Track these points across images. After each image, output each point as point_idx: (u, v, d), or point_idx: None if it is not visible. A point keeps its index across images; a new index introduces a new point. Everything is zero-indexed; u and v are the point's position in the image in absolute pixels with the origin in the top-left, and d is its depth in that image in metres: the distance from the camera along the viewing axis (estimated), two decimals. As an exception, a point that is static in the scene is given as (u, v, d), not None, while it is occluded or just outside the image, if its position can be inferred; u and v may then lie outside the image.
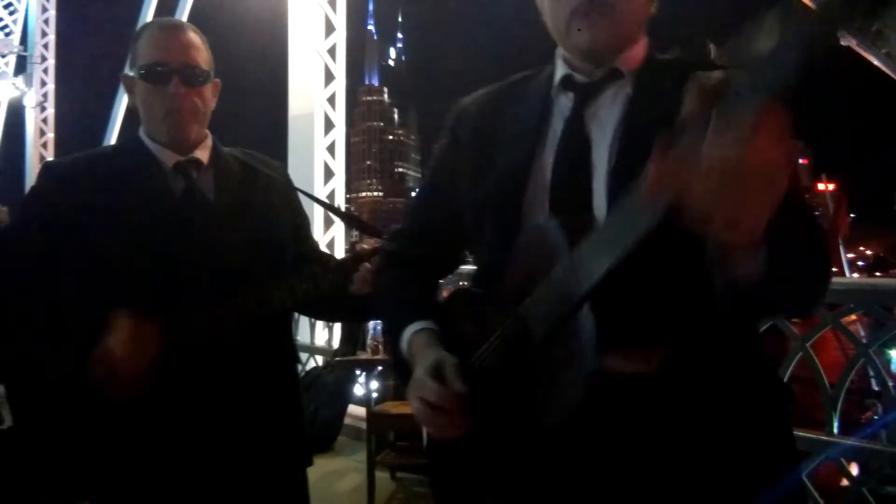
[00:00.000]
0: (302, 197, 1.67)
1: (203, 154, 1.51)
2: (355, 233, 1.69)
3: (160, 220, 1.41)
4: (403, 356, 1.11)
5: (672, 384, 0.93)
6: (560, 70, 1.10)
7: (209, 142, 1.54)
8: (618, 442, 0.94)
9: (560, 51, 1.10)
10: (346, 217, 1.82)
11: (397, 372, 1.15)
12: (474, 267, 1.17)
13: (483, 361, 1.00)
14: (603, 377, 0.84)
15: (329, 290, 1.46)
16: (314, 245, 1.70)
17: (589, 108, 1.04)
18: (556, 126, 1.06)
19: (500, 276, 1.02)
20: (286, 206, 1.60)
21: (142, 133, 1.51)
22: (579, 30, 1.02)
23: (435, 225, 1.21)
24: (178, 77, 1.43)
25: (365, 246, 1.51)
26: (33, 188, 1.47)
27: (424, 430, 1.13)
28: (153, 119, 1.47)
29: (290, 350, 1.64)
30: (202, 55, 1.48)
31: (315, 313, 1.90)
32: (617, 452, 0.94)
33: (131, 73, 1.47)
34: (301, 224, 1.65)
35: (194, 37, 1.47)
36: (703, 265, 0.82)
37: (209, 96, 1.50)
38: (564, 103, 1.07)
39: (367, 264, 1.47)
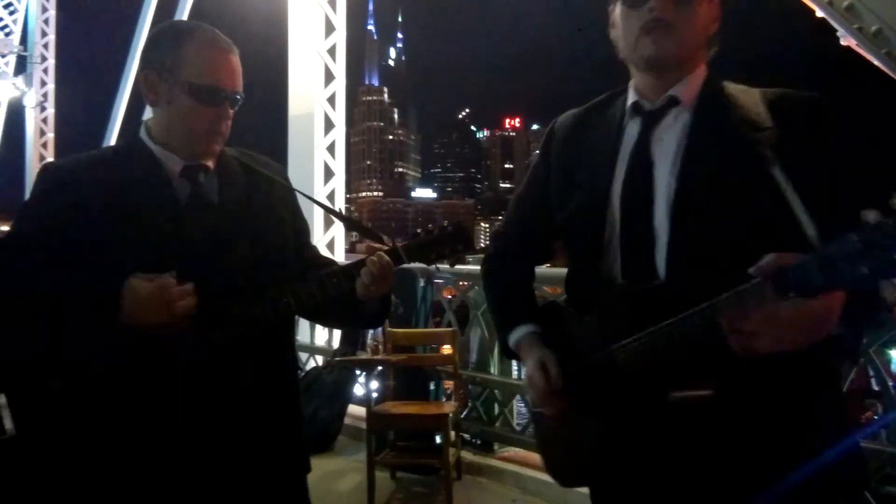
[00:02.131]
0: (302, 198, 1.65)
1: (209, 159, 1.50)
2: (355, 233, 1.68)
3: (165, 224, 1.40)
4: (510, 347, 1.44)
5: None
6: (630, 97, 1.32)
7: None
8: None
9: (632, 81, 1.33)
10: (347, 221, 1.81)
11: (506, 356, 1.50)
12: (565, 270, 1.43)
13: (578, 370, 1.29)
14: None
15: (335, 296, 1.44)
16: (314, 250, 1.68)
17: (653, 133, 1.27)
18: (626, 149, 1.29)
19: (585, 289, 1.31)
20: (287, 209, 1.59)
21: (144, 135, 1.48)
22: (646, 43, 1.24)
23: (528, 228, 1.48)
24: (228, 102, 1.44)
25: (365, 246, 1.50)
26: (33, 192, 1.45)
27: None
28: (187, 133, 1.44)
29: (291, 358, 1.63)
30: (241, 79, 1.48)
31: (322, 319, 1.86)
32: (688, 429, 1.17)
33: (168, 78, 1.42)
34: (301, 228, 1.63)
35: (238, 60, 1.48)
36: None
37: None
38: (633, 129, 1.30)
39: (369, 268, 1.43)
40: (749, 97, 1.23)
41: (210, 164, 1.50)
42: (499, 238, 1.55)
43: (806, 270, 0.91)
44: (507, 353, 1.47)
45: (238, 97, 1.47)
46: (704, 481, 1.19)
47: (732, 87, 1.27)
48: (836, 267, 0.86)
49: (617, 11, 1.30)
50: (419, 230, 1.52)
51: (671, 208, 1.19)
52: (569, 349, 1.32)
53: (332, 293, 1.43)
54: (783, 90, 1.23)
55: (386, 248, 1.47)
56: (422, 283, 4.70)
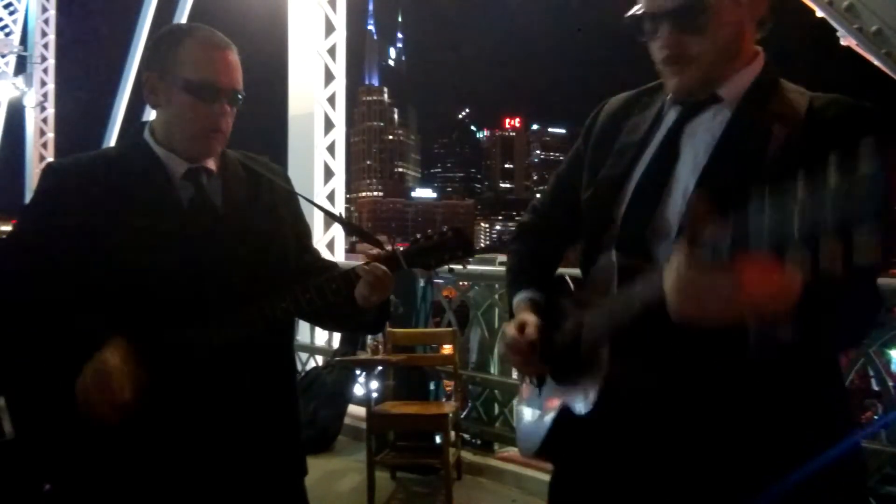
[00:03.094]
0: (302, 200, 1.65)
1: (212, 161, 1.50)
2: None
3: (168, 227, 1.40)
4: (513, 311, 1.43)
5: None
6: None
7: None
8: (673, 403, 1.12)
9: None
10: (347, 225, 1.81)
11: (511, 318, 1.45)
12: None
13: (558, 339, 1.29)
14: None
15: (334, 301, 1.44)
16: (316, 254, 1.68)
17: (689, 124, 1.20)
18: (658, 139, 1.23)
19: (587, 270, 1.28)
20: (289, 213, 1.59)
21: (147, 136, 1.48)
22: (667, 75, 1.19)
23: (562, 205, 1.45)
24: (225, 99, 1.44)
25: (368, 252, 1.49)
26: (36, 192, 1.45)
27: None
28: (185, 131, 1.44)
29: (289, 362, 1.63)
30: (241, 77, 1.48)
31: (321, 323, 1.87)
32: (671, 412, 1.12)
33: (167, 78, 1.43)
34: (303, 232, 1.63)
35: (237, 58, 1.48)
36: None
37: None
38: (670, 118, 1.23)
39: (365, 278, 1.42)
40: (797, 100, 1.14)
41: (213, 166, 1.50)
42: (534, 211, 1.55)
43: (721, 231, 0.87)
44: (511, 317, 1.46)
45: (238, 94, 1.46)
46: (648, 476, 1.15)
47: (787, 87, 1.17)
48: (741, 227, 0.83)
49: None
50: (419, 235, 1.50)
51: (686, 208, 1.12)
52: (557, 321, 1.31)
53: (331, 299, 1.43)
54: (835, 97, 1.13)
55: (385, 253, 1.46)
56: (422, 283, 4.71)
